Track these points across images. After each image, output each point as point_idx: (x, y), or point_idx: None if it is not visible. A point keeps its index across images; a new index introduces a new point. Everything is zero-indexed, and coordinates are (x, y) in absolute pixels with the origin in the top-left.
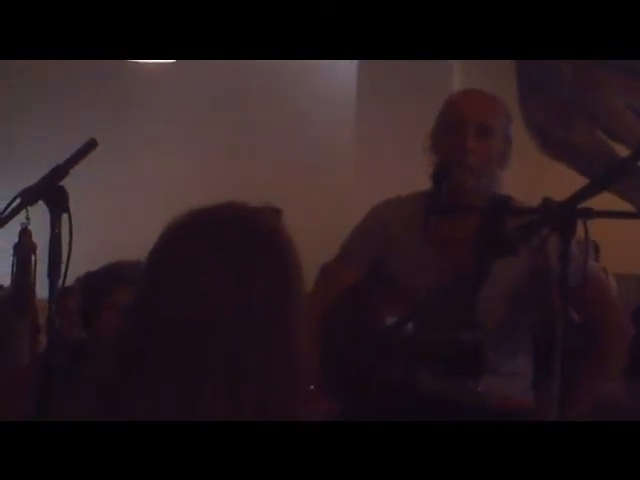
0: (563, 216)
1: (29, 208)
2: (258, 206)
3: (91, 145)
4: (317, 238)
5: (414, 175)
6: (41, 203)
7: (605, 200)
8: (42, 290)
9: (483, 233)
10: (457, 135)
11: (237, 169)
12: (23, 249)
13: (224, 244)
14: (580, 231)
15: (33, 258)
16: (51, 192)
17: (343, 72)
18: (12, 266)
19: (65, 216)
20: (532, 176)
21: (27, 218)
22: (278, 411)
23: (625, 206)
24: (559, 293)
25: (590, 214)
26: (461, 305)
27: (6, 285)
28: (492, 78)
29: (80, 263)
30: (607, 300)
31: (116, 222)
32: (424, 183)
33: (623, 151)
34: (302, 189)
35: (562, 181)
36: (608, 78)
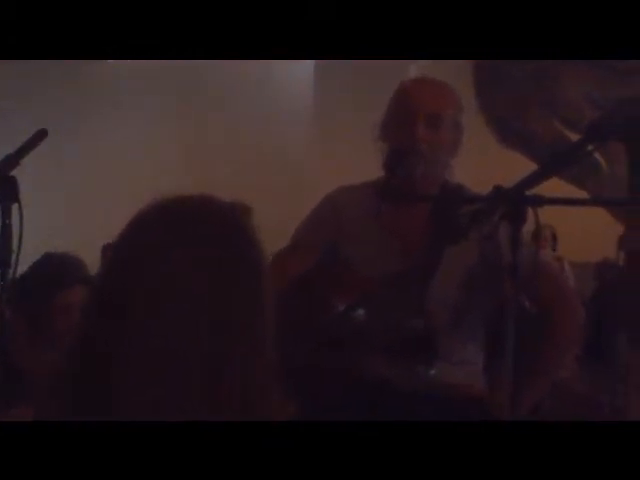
0: (513, 203)
1: None
2: (228, 202)
3: (41, 135)
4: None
5: (369, 164)
6: None
7: (560, 188)
8: None
9: (435, 221)
10: (408, 124)
11: (201, 166)
12: None
13: (192, 238)
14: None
15: None
16: (1, 182)
17: (302, 72)
18: None
19: (16, 206)
20: (489, 165)
21: None
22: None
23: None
24: (510, 280)
25: (539, 201)
26: (413, 292)
27: None
28: (450, 75)
29: (31, 254)
30: (558, 287)
31: (69, 213)
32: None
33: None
34: (267, 188)
35: (519, 170)
36: (567, 69)
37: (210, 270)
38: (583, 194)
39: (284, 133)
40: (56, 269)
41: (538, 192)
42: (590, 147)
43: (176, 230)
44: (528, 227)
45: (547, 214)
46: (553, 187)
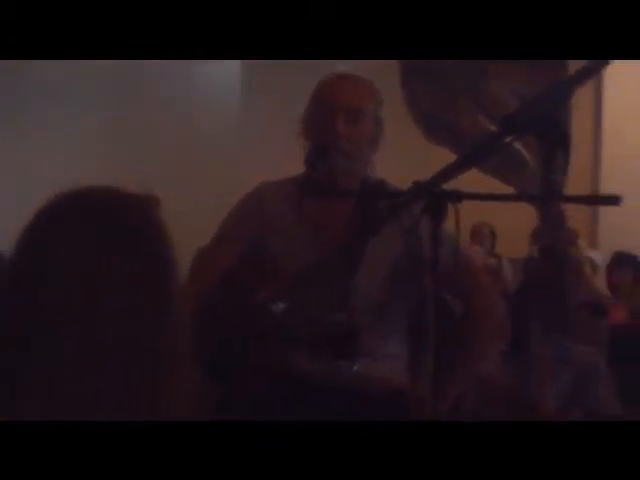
0: (432, 198)
1: None
2: (135, 193)
3: None
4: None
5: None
6: None
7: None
8: None
9: (356, 215)
10: (327, 119)
11: (119, 159)
12: None
13: (96, 228)
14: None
15: None
16: None
17: (227, 71)
18: None
19: None
20: (416, 161)
21: None
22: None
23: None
24: (431, 275)
25: (459, 196)
26: (336, 287)
27: None
28: (377, 72)
29: None
30: (477, 281)
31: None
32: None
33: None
34: (188, 181)
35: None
36: (493, 64)
37: (117, 263)
38: (510, 190)
39: (210, 131)
40: None
41: (463, 188)
42: (506, 140)
43: (81, 223)
44: (467, 223)
45: (486, 211)
46: (484, 184)
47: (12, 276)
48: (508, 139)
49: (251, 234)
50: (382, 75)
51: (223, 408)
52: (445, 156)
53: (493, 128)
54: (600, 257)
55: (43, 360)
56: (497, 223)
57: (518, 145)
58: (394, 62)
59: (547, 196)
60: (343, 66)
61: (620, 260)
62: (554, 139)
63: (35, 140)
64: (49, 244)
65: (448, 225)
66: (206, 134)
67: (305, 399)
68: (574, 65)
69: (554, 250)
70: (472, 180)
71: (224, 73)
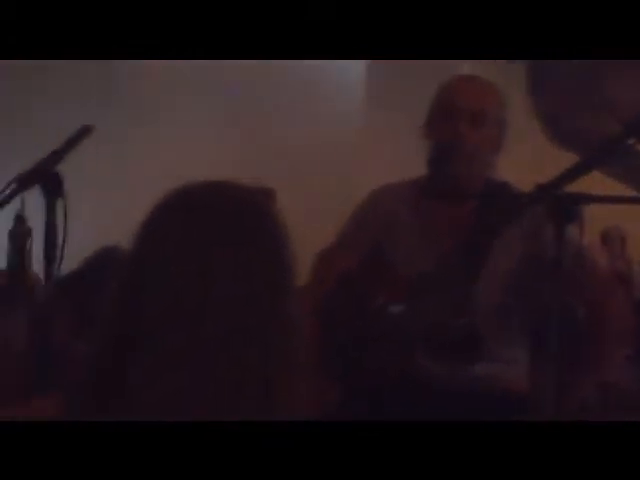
0: (556, 201)
1: (24, 194)
2: (250, 186)
3: (86, 131)
4: (316, 222)
5: (416, 163)
6: (36, 188)
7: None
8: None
9: (478, 219)
10: (451, 122)
11: (234, 153)
12: (18, 235)
13: (214, 224)
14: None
15: (28, 244)
16: (46, 177)
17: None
18: (7, 252)
19: (60, 201)
20: (541, 164)
21: (22, 204)
22: (280, 395)
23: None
24: (554, 279)
25: (583, 199)
26: (457, 291)
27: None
28: (501, 74)
29: (75, 248)
30: (604, 286)
31: (112, 207)
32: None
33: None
34: (303, 174)
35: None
36: (625, 67)
37: (232, 256)
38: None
39: (333, 133)
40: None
41: (600, 192)
42: (630, 141)
43: (196, 216)
44: (597, 228)
45: (616, 215)
46: (612, 188)
47: (130, 269)
48: (633, 141)
49: (371, 238)
50: (507, 77)
51: (341, 409)
52: (570, 159)
53: (619, 130)
54: None
55: (154, 356)
56: (628, 228)
57: None
58: (519, 64)
59: None
60: (467, 68)
61: None
62: None
63: (161, 139)
64: (165, 238)
65: (572, 228)
66: (327, 136)
67: (424, 402)
68: None
69: None
70: (599, 184)
71: (347, 73)
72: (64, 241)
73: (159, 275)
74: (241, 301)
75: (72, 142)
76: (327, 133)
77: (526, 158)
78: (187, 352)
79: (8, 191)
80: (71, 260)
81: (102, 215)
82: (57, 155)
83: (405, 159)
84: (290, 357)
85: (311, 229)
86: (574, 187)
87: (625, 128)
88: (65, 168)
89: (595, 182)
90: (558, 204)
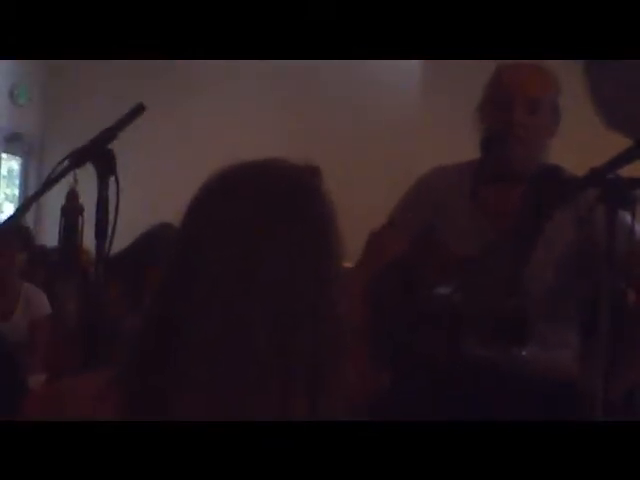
0: (609, 185)
1: (77, 170)
2: (296, 165)
3: (139, 109)
4: (369, 204)
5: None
6: (89, 165)
7: None
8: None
9: (530, 202)
10: (506, 108)
11: (286, 134)
12: (70, 211)
13: (259, 203)
14: None
15: (80, 220)
16: (99, 155)
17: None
18: (59, 228)
19: (112, 178)
20: (591, 147)
21: (75, 180)
22: (329, 381)
23: None
24: (605, 264)
25: (637, 184)
26: (508, 273)
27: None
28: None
29: (127, 226)
30: None
31: (163, 184)
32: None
33: None
34: (355, 154)
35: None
36: None
37: (278, 235)
38: None
39: (394, 127)
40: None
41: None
42: None
43: (241, 196)
44: None
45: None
46: None
47: (177, 250)
48: None
49: (423, 219)
50: (564, 61)
51: (389, 396)
52: (625, 144)
53: None
54: None
55: (198, 339)
56: None
57: None
58: None
59: None
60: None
61: None
62: None
63: (213, 117)
64: (211, 219)
65: (625, 213)
66: (382, 127)
67: (474, 385)
68: None
69: None
70: None
71: (403, 71)
72: (116, 218)
73: (205, 257)
74: (288, 283)
75: (125, 120)
76: (383, 115)
77: (581, 143)
78: (231, 336)
79: (61, 168)
80: (123, 237)
81: (155, 193)
82: (110, 132)
83: (460, 142)
84: (338, 342)
85: (365, 210)
86: (629, 171)
87: None
88: (118, 145)
89: None
90: (611, 188)
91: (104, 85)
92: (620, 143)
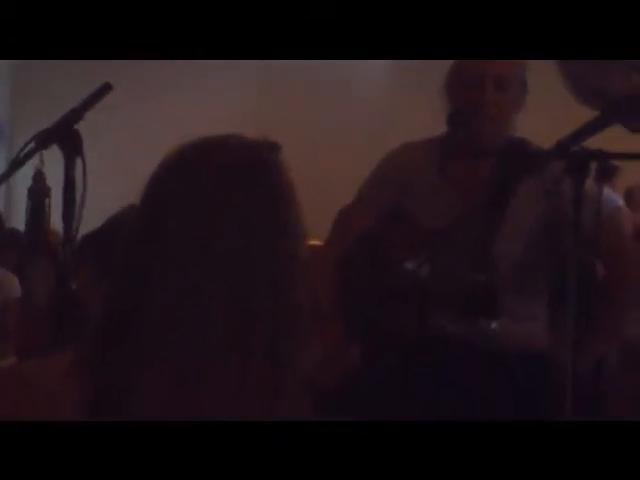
0: (575, 158)
1: (43, 152)
2: (253, 139)
3: (105, 89)
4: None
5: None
6: (55, 147)
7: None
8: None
9: (497, 176)
10: (476, 86)
11: (254, 113)
12: (37, 193)
13: (217, 175)
14: None
15: (47, 202)
16: (65, 136)
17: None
18: (26, 210)
19: (79, 159)
20: (560, 120)
21: (41, 161)
22: (285, 352)
23: None
24: (573, 236)
25: (603, 156)
26: (477, 247)
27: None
28: None
29: (94, 207)
30: (622, 241)
31: (130, 165)
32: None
33: None
34: (316, 129)
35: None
36: None
37: (234, 205)
38: None
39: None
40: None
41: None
42: None
43: (196, 171)
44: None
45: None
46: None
47: (138, 224)
48: None
49: (390, 196)
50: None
51: (358, 370)
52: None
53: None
54: None
55: (156, 315)
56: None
57: None
58: None
59: None
60: None
61: None
62: None
63: (181, 98)
64: (168, 195)
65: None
66: (352, 114)
67: (443, 358)
68: None
69: None
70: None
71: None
72: (83, 199)
73: (163, 231)
74: (245, 256)
75: (91, 100)
76: (354, 91)
77: (552, 116)
78: (188, 309)
79: (27, 149)
80: (91, 218)
81: (122, 173)
82: (76, 113)
83: (429, 118)
84: (298, 317)
85: (334, 187)
86: (599, 144)
87: None
88: (84, 126)
89: (619, 138)
90: (576, 160)
91: (73, 67)
92: (590, 115)
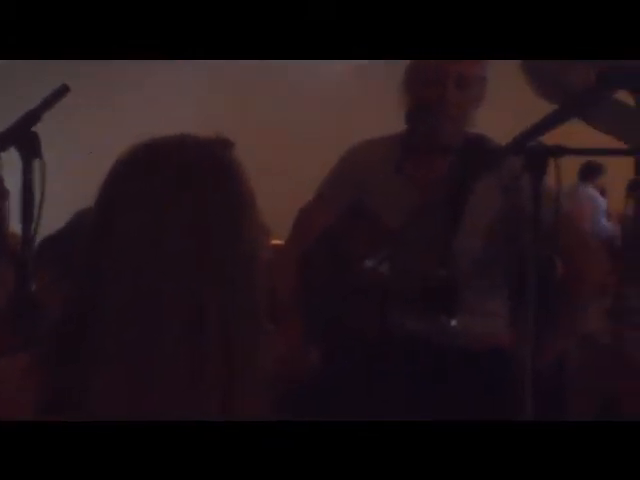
0: (532, 154)
1: (1, 155)
2: (206, 137)
3: (63, 91)
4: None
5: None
6: (13, 149)
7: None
8: None
9: (456, 172)
10: (436, 85)
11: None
12: None
13: (170, 173)
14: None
15: (6, 205)
16: (23, 138)
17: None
18: None
19: (37, 162)
20: (522, 116)
21: None
22: (241, 351)
23: None
24: (531, 232)
25: (560, 151)
26: (436, 243)
27: None
28: None
29: (53, 209)
30: (579, 237)
31: (90, 167)
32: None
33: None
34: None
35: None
36: None
37: (188, 203)
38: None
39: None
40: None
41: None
42: (604, 94)
43: (152, 167)
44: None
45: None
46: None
47: (93, 230)
48: (605, 94)
49: (351, 192)
50: None
51: (320, 369)
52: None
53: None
54: None
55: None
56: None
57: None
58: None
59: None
60: None
61: None
62: None
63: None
64: (123, 191)
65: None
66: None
67: (403, 356)
68: None
69: None
70: (584, 137)
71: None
72: (42, 201)
73: (117, 230)
74: (198, 254)
75: (49, 102)
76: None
77: (514, 111)
78: (142, 309)
79: None
80: (50, 220)
81: (82, 175)
82: (33, 115)
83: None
84: (253, 315)
85: (295, 187)
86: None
87: (596, 82)
88: (42, 128)
89: (581, 133)
90: (534, 156)
91: (26, 68)
92: (550, 110)
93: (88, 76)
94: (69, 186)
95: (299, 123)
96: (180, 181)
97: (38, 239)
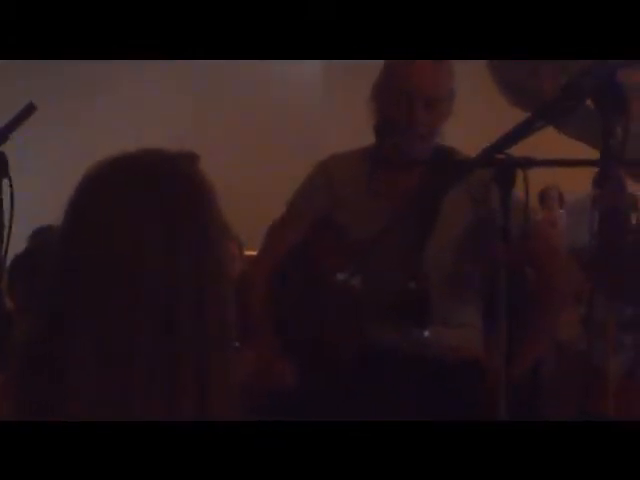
0: (501, 166)
1: None
2: (171, 152)
3: (30, 109)
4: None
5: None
6: None
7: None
8: None
9: (427, 184)
10: (405, 105)
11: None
12: None
13: (134, 189)
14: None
15: None
16: None
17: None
18: None
19: (6, 181)
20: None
21: None
22: (211, 366)
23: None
24: (502, 243)
25: (528, 163)
26: (407, 256)
27: None
28: None
29: (23, 228)
30: (548, 246)
31: (59, 185)
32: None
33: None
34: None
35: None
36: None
37: (153, 219)
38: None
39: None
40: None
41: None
42: (569, 104)
43: (116, 183)
44: (536, 188)
45: (555, 175)
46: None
47: (60, 246)
48: (570, 103)
49: (321, 207)
50: None
51: (293, 384)
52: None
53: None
54: None
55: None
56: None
57: None
58: None
59: (606, 160)
60: None
61: None
62: (611, 103)
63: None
64: (88, 209)
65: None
66: (285, 121)
67: (378, 367)
68: None
69: (613, 213)
70: (552, 146)
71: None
72: (11, 221)
73: (83, 248)
74: (166, 271)
75: (16, 121)
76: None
77: (485, 123)
78: (112, 328)
79: None
80: (20, 239)
81: (50, 194)
82: (1, 134)
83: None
84: (223, 332)
85: (266, 200)
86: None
87: (562, 90)
88: (9, 147)
89: (545, 144)
90: (503, 168)
91: None
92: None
93: (56, 97)
94: (39, 205)
95: (270, 130)
96: (147, 197)
97: (9, 259)
